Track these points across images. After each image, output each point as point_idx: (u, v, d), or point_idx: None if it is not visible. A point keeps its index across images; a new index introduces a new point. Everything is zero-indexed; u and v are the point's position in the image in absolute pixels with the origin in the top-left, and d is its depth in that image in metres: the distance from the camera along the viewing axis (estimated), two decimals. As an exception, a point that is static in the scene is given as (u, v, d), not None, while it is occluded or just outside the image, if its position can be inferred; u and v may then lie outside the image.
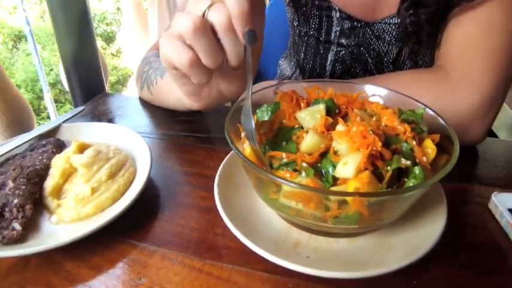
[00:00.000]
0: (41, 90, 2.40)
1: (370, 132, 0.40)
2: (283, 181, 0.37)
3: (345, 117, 0.47)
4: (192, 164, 0.59)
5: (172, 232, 0.47)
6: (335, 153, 0.42)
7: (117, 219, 0.45)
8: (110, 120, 0.71)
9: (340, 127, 0.43)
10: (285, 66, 0.95)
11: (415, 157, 0.42)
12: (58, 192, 0.51)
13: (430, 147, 0.43)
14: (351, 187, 0.38)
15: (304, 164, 0.42)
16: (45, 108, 2.68)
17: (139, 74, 0.77)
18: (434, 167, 0.43)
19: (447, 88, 0.60)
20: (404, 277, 0.41)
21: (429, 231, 0.43)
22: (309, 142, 0.43)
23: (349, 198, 0.37)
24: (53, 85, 3.08)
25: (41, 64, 1.92)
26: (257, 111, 0.50)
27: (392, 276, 0.39)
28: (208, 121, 0.71)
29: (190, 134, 0.65)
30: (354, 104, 0.48)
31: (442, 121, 0.45)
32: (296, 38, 0.86)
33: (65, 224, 0.47)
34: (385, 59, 0.77)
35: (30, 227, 0.46)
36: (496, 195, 0.51)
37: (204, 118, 0.72)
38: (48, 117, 2.61)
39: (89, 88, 0.87)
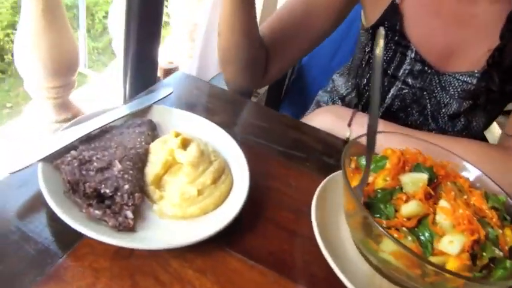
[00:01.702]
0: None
1: (475, 218, 0.46)
2: (398, 244, 0.42)
3: (438, 187, 0.52)
4: (273, 178, 0.61)
5: (266, 250, 0.50)
6: (433, 223, 0.48)
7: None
8: (191, 107, 0.71)
9: (444, 203, 0.48)
10: (340, 83, 0.99)
11: (498, 244, 0.48)
12: (159, 182, 0.53)
13: (509, 235, 0.50)
14: (451, 264, 0.44)
15: (404, 229, 0.47)
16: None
17: None
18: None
19: None
20: None
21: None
22: (411, 209, 0.48)
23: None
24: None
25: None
26: (362, 159, 0.54)
27: None
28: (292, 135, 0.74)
29: (271, 145, 0.68)
30: (449, 177, 0.53)
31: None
32: (363, 62, 0.90)
33: (168, 218, 0.50)
34: (443, 110, 0.83)
35: (135, 214, 0.48)
36: None
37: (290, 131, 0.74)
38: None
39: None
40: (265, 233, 0.53)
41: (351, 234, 0.53)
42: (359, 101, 0.93)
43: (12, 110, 2.16)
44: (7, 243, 0.43)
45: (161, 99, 0.64)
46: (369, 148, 0.49)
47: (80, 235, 0.44)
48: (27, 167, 0.47)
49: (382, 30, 0.46)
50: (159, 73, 1.50)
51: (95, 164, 0.50)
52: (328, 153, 0.70)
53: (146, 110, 0.62)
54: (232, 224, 0.49)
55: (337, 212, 0.55)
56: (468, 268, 0.44)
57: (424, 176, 0.50)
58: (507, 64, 0.70)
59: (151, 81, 1.01)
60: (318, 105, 1.05)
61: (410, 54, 0.81)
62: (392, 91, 0.86)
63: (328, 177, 0.58)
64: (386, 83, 0.86)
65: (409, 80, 0.83)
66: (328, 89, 1.03)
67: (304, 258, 0.51)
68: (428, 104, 0.84)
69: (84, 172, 0.48)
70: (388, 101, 0.87)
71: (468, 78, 0.78)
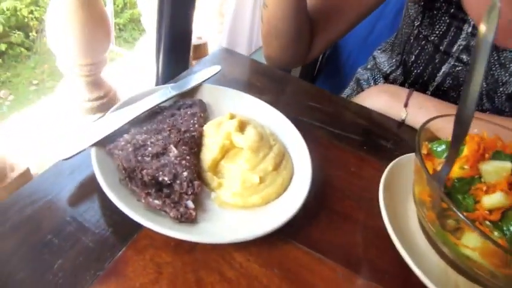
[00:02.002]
0: None
1: None
2: (490, 240, 0.38)
3: (520, 175, 0.48)
4: (332, 163, 0.57)
5: (333, 243, 0.47)
6: (519, 215, 0.43)
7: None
8: (236, 86, 0.67)
9: (532, 195, 0.44)
10: (383, 60, 0.93)
11: None
12: (216, 168, 0.49)
13: None
14: (545, 262, 0.40)
15: (487, 223, 0.43)
16: None
17: None
18: None
19: None
20: None
21: None
22: (495, 201, 0.43)
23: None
24: None
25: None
26: (435, 145, 0.50)
27: None
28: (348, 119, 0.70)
29: (325, 127, 0.64)
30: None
31: None
32: (411, 37, 0.84)
33: (228, 207, 0.46)
34: (501, 89, 0.77)
35: (195, 204, 0.45)
36: None
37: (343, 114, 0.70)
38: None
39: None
40: (330, 223, 0.49)
41: (421, 226, 0.49)
42: (405, 79, 0.87)
43: (39, 87, 2.14)
44: (65, 235, 0.40)
45: (209, 78, 0.60)
46: (455, 144, 0.44)
47: (138, 226, 0.41)
48: (80, 152, 0.44)
49: (498, 2, 0.40)
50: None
51: (149, 149, 0.47)
52: (384, 137, 0.65)
53: (194, 90, 0.58)
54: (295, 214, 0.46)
55: (404, 201, 0.52)
56: None
57: (508, 165, 0.46)
58: None
59: (184, 57, 0.97)
60: (358, 84, 1.00)
61: (467, 29, 0.75)
62: (444, 68, 0.80)
63: (392, 164, 0.54)
64: (437, 60, 0.80)
65: (464, 57, 0.77)
66: (369, 66, 0.97)
67: (374, 253, 0.47)
68: (484, 83, 0.78)
69: (139, 158, 0.45)
70: (438, 79, 0.82)
71: None
